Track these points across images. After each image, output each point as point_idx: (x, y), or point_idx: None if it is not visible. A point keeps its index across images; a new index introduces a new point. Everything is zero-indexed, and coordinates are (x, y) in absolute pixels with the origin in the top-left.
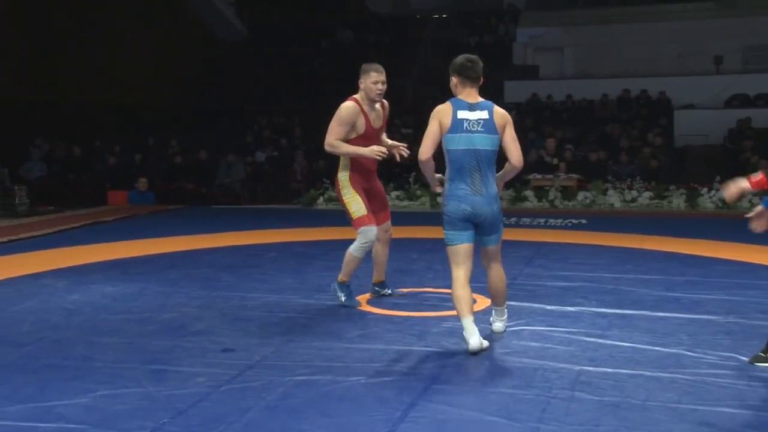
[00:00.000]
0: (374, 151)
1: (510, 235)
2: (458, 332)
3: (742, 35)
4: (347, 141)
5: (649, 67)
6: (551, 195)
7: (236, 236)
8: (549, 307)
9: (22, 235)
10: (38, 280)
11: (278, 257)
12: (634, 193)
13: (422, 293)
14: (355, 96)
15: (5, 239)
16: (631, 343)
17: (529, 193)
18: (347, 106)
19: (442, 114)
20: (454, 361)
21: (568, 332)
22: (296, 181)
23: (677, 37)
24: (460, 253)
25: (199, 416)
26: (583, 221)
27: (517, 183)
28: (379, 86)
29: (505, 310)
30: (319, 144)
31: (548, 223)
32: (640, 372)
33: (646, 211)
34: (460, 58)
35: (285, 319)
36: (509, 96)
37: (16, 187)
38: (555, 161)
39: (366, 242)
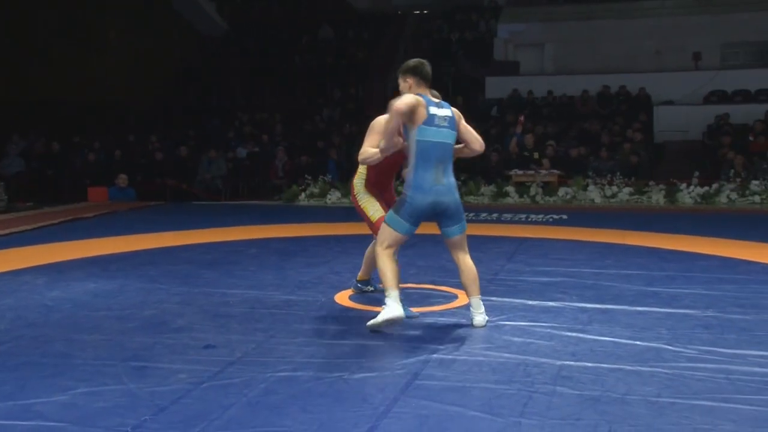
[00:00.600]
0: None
1: (491, 230)
2: (441, 328)
3: (720, 32)
4: None
5: (629, 63)
6: (532, 191)
7: (217, 232)
8: (530, 302)
9: (0, 232)
10: (17, 277)
11: (259, 253)
12: (615, 188)
13: (404, 289)
14: None
15: None
16: (612, 337)
17: (510, 188)
18: (378, 118)
19: (419, 104)
20: (436, 357)
21: (549, 327)
22: (278, 177)
23: (656, 34)
24: (399, 240)
25: (180, 413)
26: (564, 217)
27: (498, 179)
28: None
29: (481, 302)
30: (301, 140)
31: (529, 219)
32: (621, 366)
33: (626, 207)
34: (414, 61)
35: (266, 316)
36: (490, 92)
37: None
38: (536, 155)
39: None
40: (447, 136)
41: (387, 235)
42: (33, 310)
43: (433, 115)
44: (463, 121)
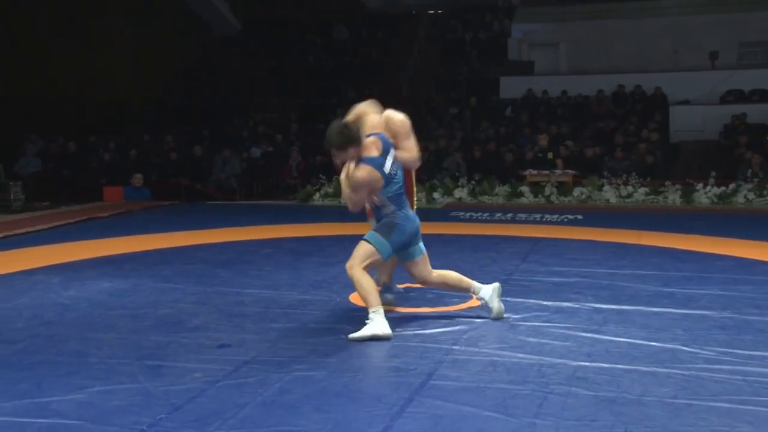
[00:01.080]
0: None
1: (506, 230)
2: (455, 328)
3: (737, 31)
4: None
5: (644, 62)
6: (547, 191)
7: (231, 232)
8: (545, 303)
9: (16, 231)
10: (33, 276)
11: (274, 253)
12: (630, 188)
13: (418, 289)
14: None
15: (0, 235)
16: (627, 338)
17: (525, 188)
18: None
19: (374, 180)
20: (450, 357)
21: (564, 328)
22: (292, 177)
23: (672, 33)
24: (378, 262)
25: (195, 412)
26: (579, 217)
27: (513, 179)
28: None
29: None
30: (315, 139)
31: (544, 219)
32: (636, 367)
33: (641, 207)
34: (338, 127)
35: (281, 315)
36: (504, 92)
37: (11, 183)
38: (550, 155)
39: None
40: (399, 175)
41: (369, 254)
42: (49, 308)
43: (385, 172)
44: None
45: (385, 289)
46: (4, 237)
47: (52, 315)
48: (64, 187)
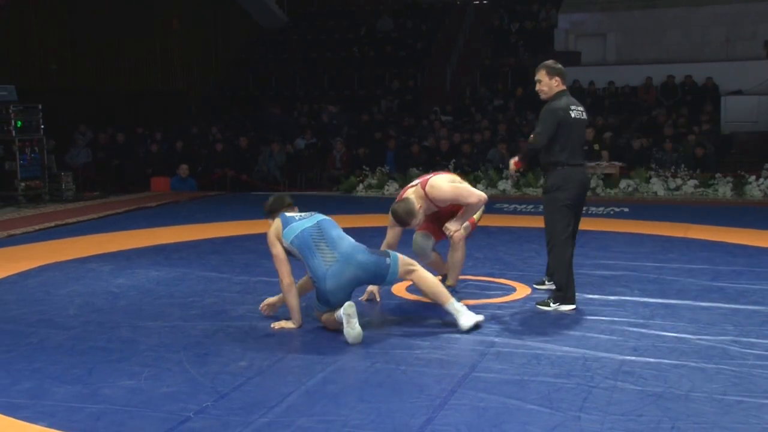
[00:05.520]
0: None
1: None
2: (498, 320)
3: None
4: None
5: (695, 52)
6: (593, 182)
7: None
8: (590, 296)
9: (68, 220)
10: (84, 265)
11: None
12: (679, 181)
13: (461, 281)
14: None
15: (53, 224)
16: (675, 332)
17: None
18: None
19: (273, 234)
20: (494, 350)
21: (609, 321)
22: (335, 168)
23: (725, 22)
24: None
25: (240, 400)
26: (626, 209)
27: None
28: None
29: (455, 303)
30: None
31: (590, 211)
32: (684, 362)
33: (690, 200)
34: (271, 203)
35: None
36: None
37: (62, 174)
38: (597, 146)
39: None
40: (311, 220)
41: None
42: (100, 296)
43: (289, 218)
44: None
45: (442, 280)
46: (56, 226)
47: (103, 302)
48: (113, 177)
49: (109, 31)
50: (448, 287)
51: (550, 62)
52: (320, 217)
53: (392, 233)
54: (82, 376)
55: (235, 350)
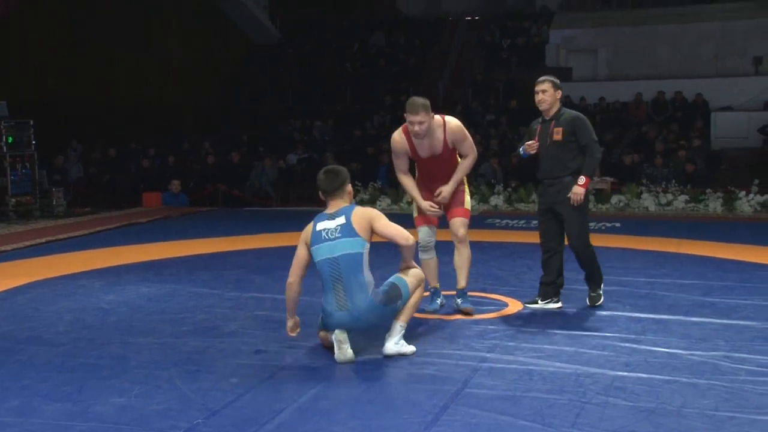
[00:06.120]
0: (425, 208)
1: None
2: (490, 335)
3: None
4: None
5: (685, 68)
6: None
7: (268, 238)
8: (582, 311)
9: (59, 236)
10: (74, 281)
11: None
12: (669, 196)
13: (454, 296)
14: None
15: (43, 240)
16: (667, 348)
17: None
18: (393, 137)
19: (305, 233)
20: (486, 365)
21: (601, 336)
22: None
23: (714, 38)
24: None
25: (231, 417)
26: (617, 224)
27: None
28: (416, 127)
29: (402, 330)
30: (352, 146)
31: None
32: (676, 378)
33: (681, 215)
34: (318, 175)
35: (316, 321)
36: None
37: (53, 189)
38: None
39: (418, 242)
40: (342, 247)
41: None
42: (90, 312)
43: (320, 231)
44: (378, 221)
45: (436, 294)
46: (47, 242)
47: (93, 319)
48: (104, 193)
49: (100, 46)
50: (459, 290)
51: (553, 77)
52: (342, 247)
53: (400, 162)
54: (72, 394)
55: (227, 366)
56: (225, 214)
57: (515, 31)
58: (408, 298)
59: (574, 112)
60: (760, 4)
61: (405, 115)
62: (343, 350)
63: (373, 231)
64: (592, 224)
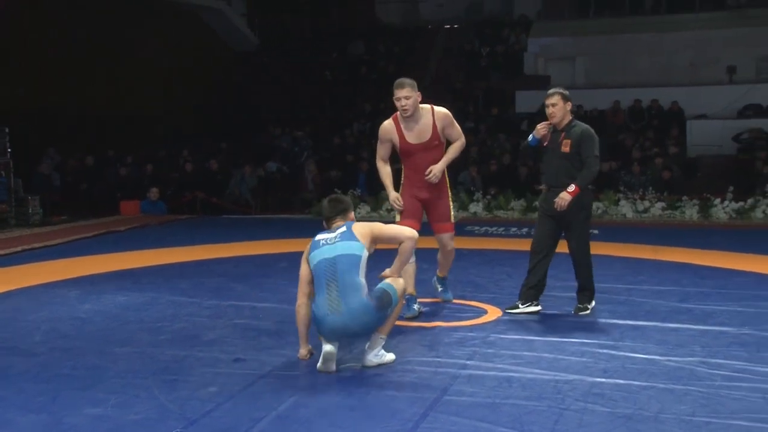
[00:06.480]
0: (392, 199)
1: (521, 245)
2: (470, 343)
3: (755, 45)
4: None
5: (662, 77)
6: None
7: (247, 246)
8: (561, 318)
9: (35, 245)
10: (51, 290)
11: (289, 267)
12: (647, 203)
13: (433, 303)
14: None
15: (19, 249)
16: (644, 354)
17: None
18: (382, 124)
19: (305, 252)
20: (465, 372)
21: (580, 343)
22: (307, 190)
23: (690, 47)
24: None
25: (210, 426)
26: (595, 231)
27: (528, 193)
28: (402, 102)
29: (383, 342)
30: (331, 153)
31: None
32: (654, 384)
33: (658, 222)
34: (323, 203)
35: (296, 330)
36: (520, 106)
37: (29, 198)
38: None
39: None
40: (341, 248)
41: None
42: (66, 322)
43: (319, 240)
44: (378, 229)
45: (411, 300)
46: (23, 251)
47: (69, 328)
48: (81, 201)
49: (78, 55)
50: (441, 277)
51: (562, 89)
52: (341, 248)
53: (383, 149)
54: (47, 405)
55: (205, 375)
56: (204, 222)
57: (494, 39)
58: (395, 306)
59: (584, 126)
60: (733, 15)
61: (393, 98)
62: (328, 366)
63: (374, 239)
64: None
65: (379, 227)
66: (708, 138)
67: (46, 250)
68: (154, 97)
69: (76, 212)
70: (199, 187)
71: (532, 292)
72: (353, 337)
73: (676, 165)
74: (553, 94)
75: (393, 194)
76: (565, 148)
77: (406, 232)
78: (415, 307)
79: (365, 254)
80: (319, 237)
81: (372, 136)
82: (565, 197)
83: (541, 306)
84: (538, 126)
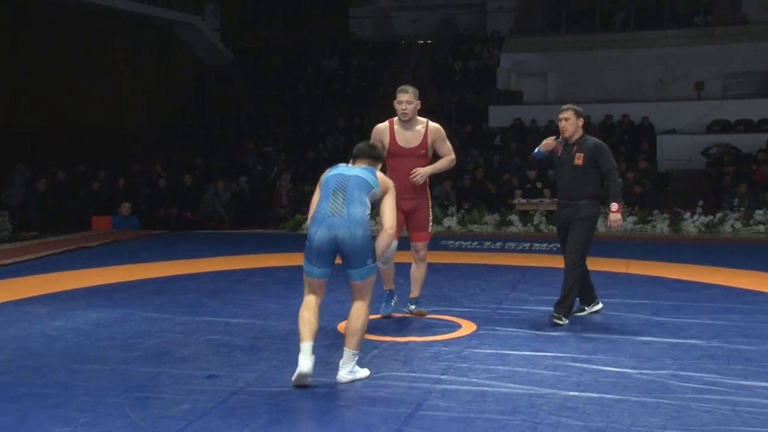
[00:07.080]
0: None
1: (495, 259)
2: (444, 357)
3: (723, 62)
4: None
5: (632, 92)
6: (536, 219)
7: (220, 261)
8: (534, 332)
9: (3, 261)
10: (20, 307)
11: (262, 282)
12: None
13: (407, 318)
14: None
15: None
16: (617, 367)
17: (514, 217)
18: (377, 125)
19: (321, 178)
20: (439, 387)
21: (553, 357)
22: (281, 205)
23: (659, 64)
24: (312, 283)
25: None
26: None
27: (502, 207)
28: (403, 105)
29: (355, 357)
30: (305, 168)
31: (533, 248)
32: (626, 397)
33: (630, 236)
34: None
35: (269, 345)
36: (493, 120)
37: None
38: (539, 184)
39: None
40: (355, 172)
41: (304, 279)
42: (36, 340)
43: (337, 166)
44: (390, 195)
45: (390, 296)
46: None
47: (38, 346)
48: (52, 217)
49: (49, 68)
50: (413, 298)
51: (576, 105)
52: (359, 172)
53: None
54: (14, 425)
55: (178, 392)
56: (177, 238)
57: (467, 55)
58: (375, 262)
59: (596, 140)
60: (700, 32)
61: (395, 101)
62: (302, 380)
63: (383, 194)
64: (543, 245)
65: (389, 196)
66: (677, 153)
67: (15, 266)
68: (126, 112)
69: (46, 228)
70: (172, 203)
71: (586, 297)
72: (341, 247)
73: (646, 179)
74: (566, 109)
75: None
76: (578, 161)
77: (388, 223)
78: (392, 302)
79: (377, 193)
80: (339, 165)
81: (346, 150)
82: (615, 219)
83: (601, 304)
84: (545, 141)
